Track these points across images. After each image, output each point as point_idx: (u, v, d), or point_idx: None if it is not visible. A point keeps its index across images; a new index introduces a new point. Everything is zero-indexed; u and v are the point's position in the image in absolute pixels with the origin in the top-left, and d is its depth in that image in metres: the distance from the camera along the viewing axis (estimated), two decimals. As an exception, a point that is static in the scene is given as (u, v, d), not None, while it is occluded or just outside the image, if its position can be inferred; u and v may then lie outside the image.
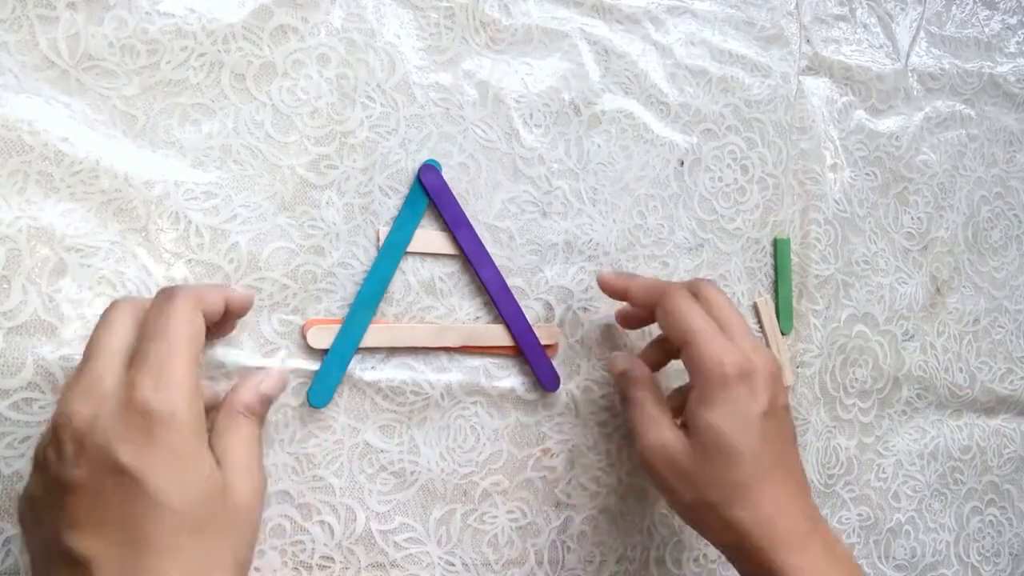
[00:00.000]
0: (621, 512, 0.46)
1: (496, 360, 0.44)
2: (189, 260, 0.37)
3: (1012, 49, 0.61)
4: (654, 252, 0.48)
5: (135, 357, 0.29)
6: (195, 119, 0.38)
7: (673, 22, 0.50)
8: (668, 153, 0.49)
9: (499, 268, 0.43)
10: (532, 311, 0.45)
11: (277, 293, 0.39)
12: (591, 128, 0.47)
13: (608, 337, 0.47)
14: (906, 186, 0.56)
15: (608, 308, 0.46)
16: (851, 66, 0.55)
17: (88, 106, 0.36)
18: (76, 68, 0.36)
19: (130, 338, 0.30)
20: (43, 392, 0.34)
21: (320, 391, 0.39)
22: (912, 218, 0.57)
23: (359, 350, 0.40)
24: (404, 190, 0.42)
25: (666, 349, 0.44)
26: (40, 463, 0.29)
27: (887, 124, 0.56)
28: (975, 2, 0.61)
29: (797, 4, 0.53)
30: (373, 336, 0.40)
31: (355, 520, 0.40)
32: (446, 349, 0.42)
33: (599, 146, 0.47)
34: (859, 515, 0.53)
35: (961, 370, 0.58)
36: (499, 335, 0.43)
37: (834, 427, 0.53)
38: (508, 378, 0.44)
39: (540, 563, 0.44)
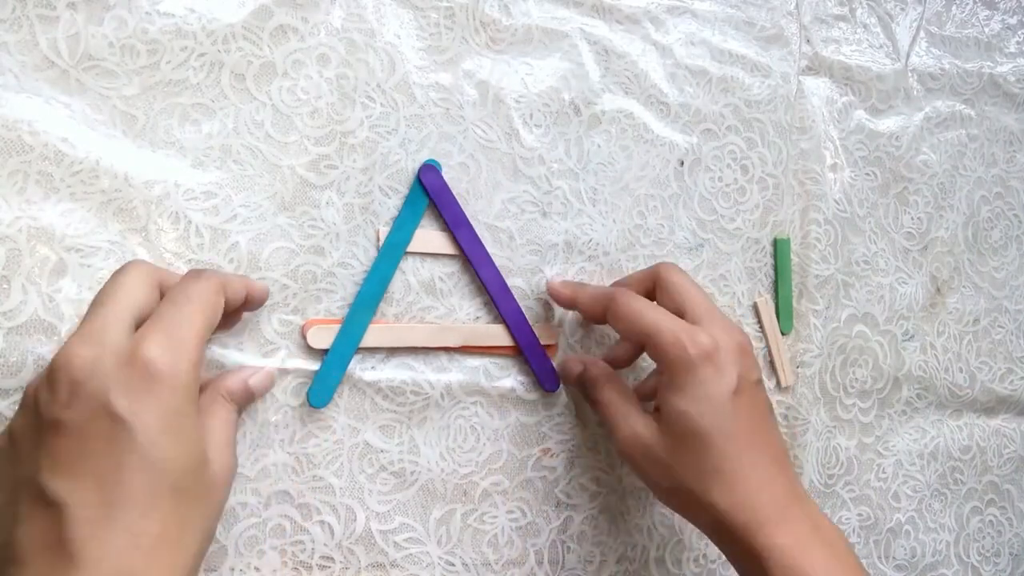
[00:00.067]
0: (621, 512, 0.46)
1: (496, 360, 0.44)
2: (189, 260, 0.37)
3: (1012, 49, 0.61)
4: (654, 252, 0.48)
5: (151, 317, 0.30)
6: (195, 119, 0.38)
7: (673, 22, 0.50)
8: (668, 153, 0.49)
9: (499, 268, 0.43)
10: (532, 311, 0.45)
11: (277, 293, 0.39)
12: (591, 128, 0.47)
13: (608, 337, 0.47)
14: (906, 186, 0.56)
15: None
16: (851, 66, 0.55)
17: (88, 106, 0.36)
18: (76, 68, 0.36)
19: (141, 297, 0.31)
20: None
21: (320, 391, 0.39)
22: (912, 218, 0.57)
23: (359, 350, 0.40)
24: (404, 190, 0.42)
25: (633, 344, 0.44)
26: (28, 402, 0.29)
27: (887, 124, 0.56)
28: (975, 2, 0.61)
29: (797, 4, 0.53)
30: (373, 336, 0.40)
31: (355, 520, 0.40)
32: (446, 349, 0.42)
33: (599, 146, 0.47)
34: (859, 515, 0.53)
35: (961, 370, 0.58)
36: (499, 335, 0.43)
37: (834, 427, 0.53)
38: (508, 378, 0.44)
39: (540, 563, 0.44)
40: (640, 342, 0.38)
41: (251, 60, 0.39)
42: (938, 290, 0.57)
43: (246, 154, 0.39)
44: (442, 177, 0.42)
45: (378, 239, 0.41)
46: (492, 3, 0.44)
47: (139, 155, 0.37)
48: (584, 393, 0.43)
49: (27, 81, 0.35)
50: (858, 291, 0.54)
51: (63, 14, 0.36)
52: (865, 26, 0.56)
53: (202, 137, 0.38)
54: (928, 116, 0.58)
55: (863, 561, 0.53)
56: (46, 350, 0.35)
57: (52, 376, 0.28)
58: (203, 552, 0.30)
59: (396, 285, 0.42)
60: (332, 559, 0.40)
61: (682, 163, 0.49)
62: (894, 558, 0.54)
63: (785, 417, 0.51)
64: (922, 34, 0.58)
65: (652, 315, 0.37)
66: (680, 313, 0.38)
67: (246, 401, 0.37)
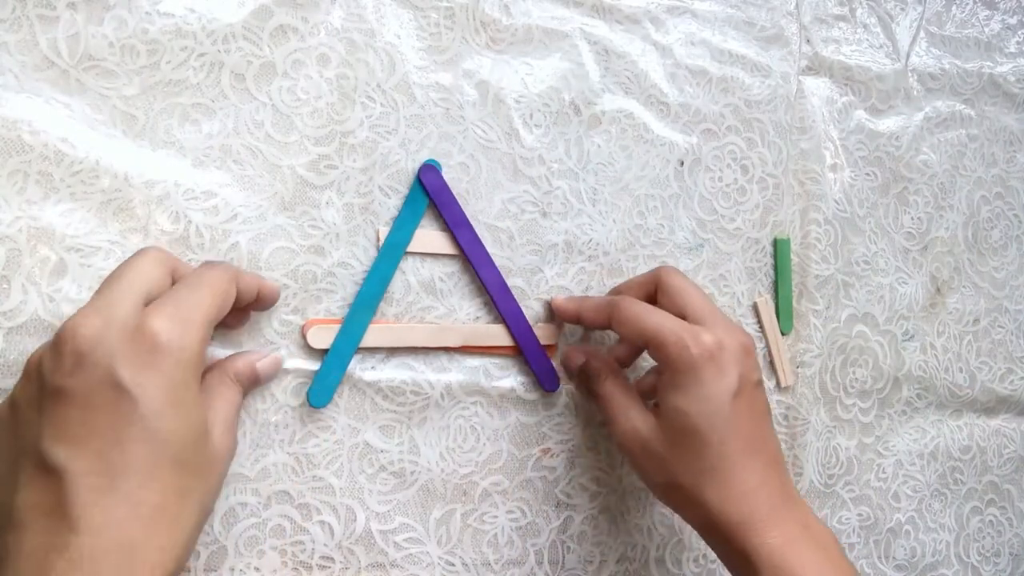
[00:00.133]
0: (621, 512, 0.46)
1: (496, 360, 0.44)
2: (189, 260, 0.37)
3: (1012, 49, 0.61)
4: (654, 252, 0.48)
5: (162, 297, 0.30)
6: (195, 119, 0.38)
7: (673, 22, 0.50)
8: (668, 153, 0.49)
9: (499, 268, 0.43)
10: (532, 311, 0.45)
11: (277, 293, 0.39)
12: (591, 128, 0.47)
13: (607, 337, 0.47)
14: (906, 186, 0.56)
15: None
16: (851, 66, 0.55)
17: (88, 106, 0.36)
18: (76, 68, 0.36)
19: (154, 278, 0.31)
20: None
21: (320, 391, 0.39)
22: (912, 218, 0.57)
23: (359, 350, 0.40)
24: (404, 190, 0.42)
25: (637, 346, 0.44)
26: (31, 370, 0.29)
27: (887, 124, 0.56)
28: (975, 2, 0.61)
29: (797, 4, 0.53)
30: (373, 336, 0.40)
31: (355, 520, 0.40)
32: (446, 349, 0.42)
33: (599, 146, 0.47)
34: (859, 515, 0.53)
35: (961, 370, 0.58)
36: (499, 335, 0.43)
37: (834, 427, 0.53)
38: (508, 378, 0.44)
39: (540, 563, 0.44)
40: (644, 345, 0.38)
41: (251, 60, 0.39)
42: (938, 290, 0.57)
43: (246, 154, 0.39)
44: (442, 177, 0.42)
45: (378, 239, 0.41)
46: (492, 3, 0.44)
47: (139, 155, 0.37)
48: (585, 385, 0.43)
49: (27, 81, 0.35)
50: (858, 291, 0.54)
51: (63, 14, 0.36)
52: (865, 26, 0.56)
53: (202, 137, 0.38)
54: (928, 116, 0.58)
55: (863, 561, 0.53)
56: (46, 350, 0.35)
57: (58, 345, 0.28)
58: (200, 527, 0.30)
59: (396, 285, 0.42)
60: (332, 559, 0.40)
61: (682, 163, 0.49)
62: (894, 558, 0.54)
63: (785, 417, 0.51)
64: (922, 34, 0.58)
65: (655, 318, 0.38)
66: (682, 315, 0.38)
67: (252, 384, 0.37)
